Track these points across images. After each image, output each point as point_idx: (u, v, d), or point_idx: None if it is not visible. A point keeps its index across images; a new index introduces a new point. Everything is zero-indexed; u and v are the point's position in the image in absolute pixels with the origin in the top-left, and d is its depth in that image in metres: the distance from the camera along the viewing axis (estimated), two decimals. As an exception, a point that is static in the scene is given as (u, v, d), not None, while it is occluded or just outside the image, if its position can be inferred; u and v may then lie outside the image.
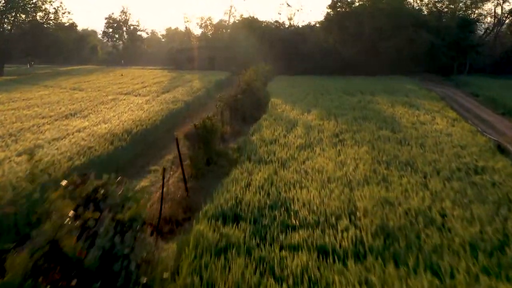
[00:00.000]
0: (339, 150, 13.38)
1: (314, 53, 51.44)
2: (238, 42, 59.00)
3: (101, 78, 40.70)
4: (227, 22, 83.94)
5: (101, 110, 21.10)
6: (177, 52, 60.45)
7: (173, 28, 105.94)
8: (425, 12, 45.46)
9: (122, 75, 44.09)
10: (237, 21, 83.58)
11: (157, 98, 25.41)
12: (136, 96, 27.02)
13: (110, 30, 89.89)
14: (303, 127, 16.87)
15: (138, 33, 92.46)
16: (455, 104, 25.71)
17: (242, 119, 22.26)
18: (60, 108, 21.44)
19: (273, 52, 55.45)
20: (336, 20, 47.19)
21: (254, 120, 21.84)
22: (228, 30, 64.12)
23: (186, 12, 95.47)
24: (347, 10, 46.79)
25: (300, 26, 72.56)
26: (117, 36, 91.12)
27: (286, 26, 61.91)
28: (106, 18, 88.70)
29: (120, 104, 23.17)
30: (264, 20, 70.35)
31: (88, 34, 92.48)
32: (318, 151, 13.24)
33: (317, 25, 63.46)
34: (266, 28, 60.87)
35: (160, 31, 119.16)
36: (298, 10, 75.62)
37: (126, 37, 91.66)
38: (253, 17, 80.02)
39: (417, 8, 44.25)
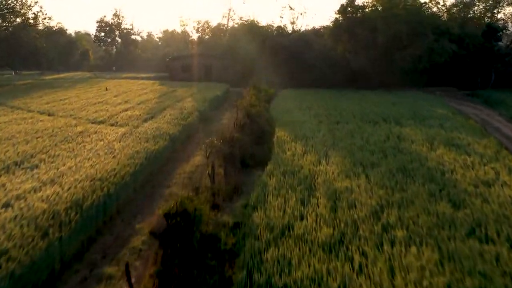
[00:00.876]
0: (389, 256, 8.63)
1: (321, 63, 46.76)
2: (237, 49, 54.34)
3: (81, 94, 35.94)
4: (226, 25, 79.36)
5: (59, 155, 16.33)
6: (171, 61, 55.70)
7: (170, 30, 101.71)
8: (445, 18, 40.52)
9: (106, 89, 39.35)
10: (236, 25, 79.00)
11: (136, 130, 20.65)
12: (112, 125, 22.27)
13: (102, 34, 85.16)
14: (325, 194, 12.11)
15: (132, 37, 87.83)
16: (500, 136, 20.98)
17: (240, 161, 17.60)
18: (6, 151, 16.67)
19: (275, 60, 50.82)
20: (345, 26, 42.39)
21: (255, 163, 17.25)
22: (227, 35, 59.36)
23: (182, 15, 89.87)
24: (358, 15, 42.00)
25: (305, 30, 67.99)
26: (109, 40, 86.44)
27: (289, 31, 57.18)
28: (97, 22, 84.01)
29: (86, 142, 18.39)
30: (264, 24, 65.80)
31: (80, 38, 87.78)
32: (357, 259, 8.49)
33: (322, 30, 58.95)
34: (267, 34, 56.21)
35: (157, 34, 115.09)
36: (301, 14, 70.91)
37: (119, 41, 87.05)
38: (253, 20, 75.48)
39: (437, 13, 39.40)
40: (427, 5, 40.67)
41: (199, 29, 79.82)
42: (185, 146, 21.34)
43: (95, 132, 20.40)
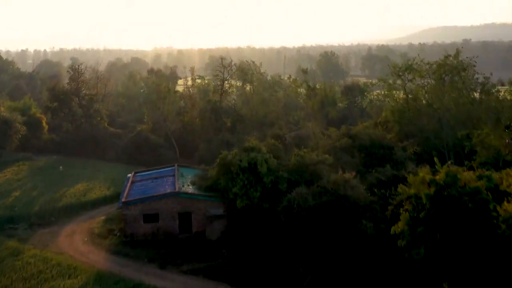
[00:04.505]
0: None
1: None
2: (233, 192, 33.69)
3: None
4: (219, 101, 58.33)
5: None
6: (127, 208, 34.69)
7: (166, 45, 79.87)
8: None
9: None
10: (233, 100, 58.05)
11: None
12: None
13: (56, 103, 64.29)
14: None
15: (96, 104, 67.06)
16: None
17: None
18: None
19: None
20: (437, 218, 21.70)
21: None
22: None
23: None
24: (467, 200, 21.15)
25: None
26: (66, 111, 65.64)
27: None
28: (48, 90, 63.18)
29: None
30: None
31: (28, 106, 66.77)
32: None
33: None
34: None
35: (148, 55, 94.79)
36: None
37: (78, 111, 66.33)
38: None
39: None
40: None
41: (183, 114, 58.95)
42: None
43: None
